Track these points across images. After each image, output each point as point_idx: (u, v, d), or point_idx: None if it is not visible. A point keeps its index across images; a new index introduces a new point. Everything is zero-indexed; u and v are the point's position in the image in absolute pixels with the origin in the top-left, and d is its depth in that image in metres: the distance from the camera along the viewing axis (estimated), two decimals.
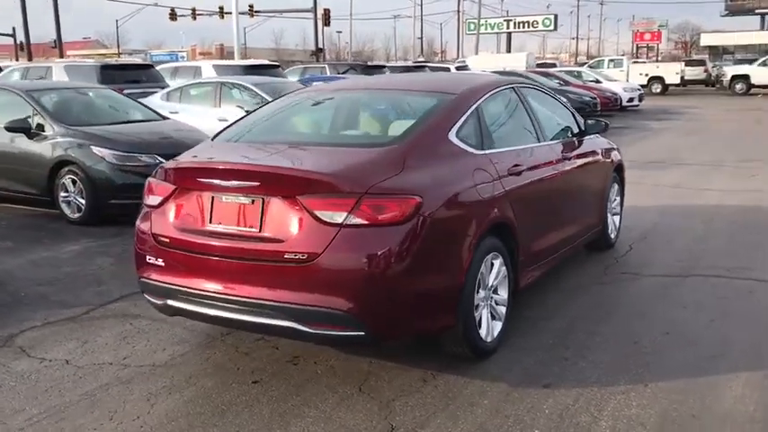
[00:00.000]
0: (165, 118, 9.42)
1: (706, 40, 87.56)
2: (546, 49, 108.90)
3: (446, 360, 4.09)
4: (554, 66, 40.03)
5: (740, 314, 4.89)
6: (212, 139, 4.57)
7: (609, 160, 6.34)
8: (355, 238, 3.45)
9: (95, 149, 7.93)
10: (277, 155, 3.95)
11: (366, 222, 3.43)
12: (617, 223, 6.73)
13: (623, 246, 6.68)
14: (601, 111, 21.10)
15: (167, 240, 3.91)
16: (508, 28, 59.39)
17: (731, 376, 3.91)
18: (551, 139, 5.22)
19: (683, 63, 40.66)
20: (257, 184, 3.59)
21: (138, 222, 4.18)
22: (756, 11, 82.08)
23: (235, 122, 4.73)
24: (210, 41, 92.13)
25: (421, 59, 55.16)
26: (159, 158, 7.87)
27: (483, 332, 4.06)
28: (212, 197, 3.78)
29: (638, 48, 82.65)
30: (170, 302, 3.95)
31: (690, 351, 4.27)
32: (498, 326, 4.25)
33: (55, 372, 4.16)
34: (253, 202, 3.65)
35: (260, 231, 3.63)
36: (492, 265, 4.13)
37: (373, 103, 4.83)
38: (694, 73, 39.19)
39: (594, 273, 5.90)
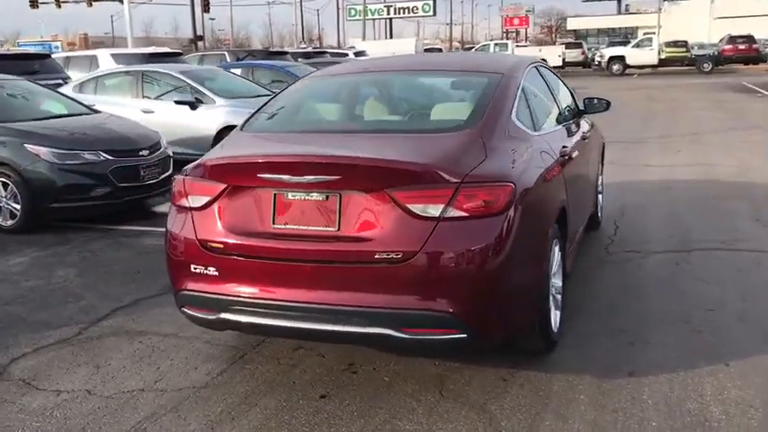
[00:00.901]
0: (95, 111, 8.57)
1: (571, 24, 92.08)
2: (421, 35, 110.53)
3: (509, 356, 3.86)
4: (441, 51, 40.61)
5: (764, 286, 4.96)
6: (242, 130, 4.07)
7: (600, 139, 6.32)
8: (455, 232, 3.13)
9: (30, 148, 7.07)
10: (344, 145, 3.55)
11: (466, 214, 3.13)
12: (601, 202, 6.75)
13: (608, 224, 6.70)
14: None
15: (220, 246, 3.43)
16: (389, 14, 59.68)
17: None
18: (568, 119, 5.09)
19: (564, 46, 42.38)
20: (337, 177, 3.19)
21: (170, 228, 3.66)
22: None
23: (259, 111, 4.24)
24: (74, 31, 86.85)
25: (303, 46, 54.42)
26: (104, 155, 7.20)
27: (552, 323, 3.87)
28: (274, 194, 3.34)
29: (507, 32, 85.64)
30: (226, 316, 3.47)
31: (746, 327, 4.26)
32: (558, 315, 4.07)
33: (81, 405, 3.59)
34: (327, 198, 3.25)
35: (339, 230, 3.24)
36: (553, 252, 3.94)
37: (418, 85, 4.49)
38: (573, 55, 40.99)
39: (597, 254, 5.84)
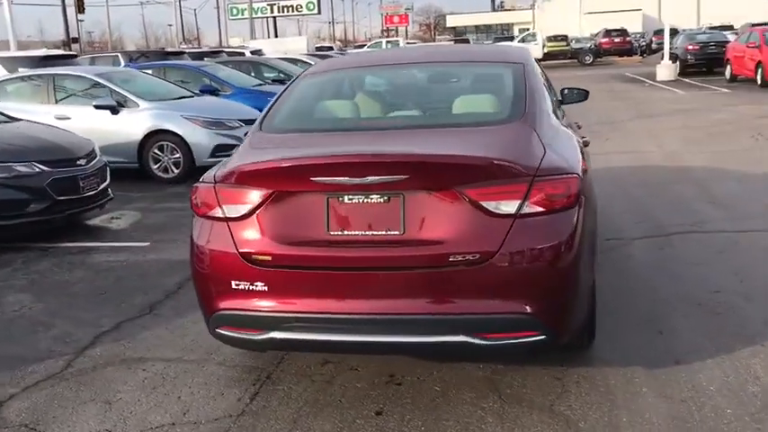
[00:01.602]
0: (12, 119, 7.79)
1: (450, 21, 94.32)
2: (304, 33, 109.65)
3: (550, 354, 3.74)
4: (332, 49, 40.39)
5: (752, 265, 5.12)
6: (262, 130, 3.72)
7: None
8: (532, 229, 2.98)
9: None
10: (398, 142, 3.31)
11: (542, 209, 2.98)
12: None
13: None
14: None
15: (268, 258, 3.11)
16: (272, 12, 58.71)
17: None
18: (561, 109, 5.06)
19: (453, 42, 43.28)
20: (403, 177, 2.95)
21: (200, 242, 3.30)
22: None
23: (272, 110, 3.90)
24: None
25: (184, 46, 52.56)
26: (39, 166, 6.54)
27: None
28: (327, 199, 3.07)
29: (388, 30, 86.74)
30: (277, 335, 3.16)
31: (757, 306, 4.36)
32: None
33: None
34: (389, 199, 3.01)
35: (404, 234, 3.01)
36: None
37: (441, 77, 4.28)
38: None
39: None
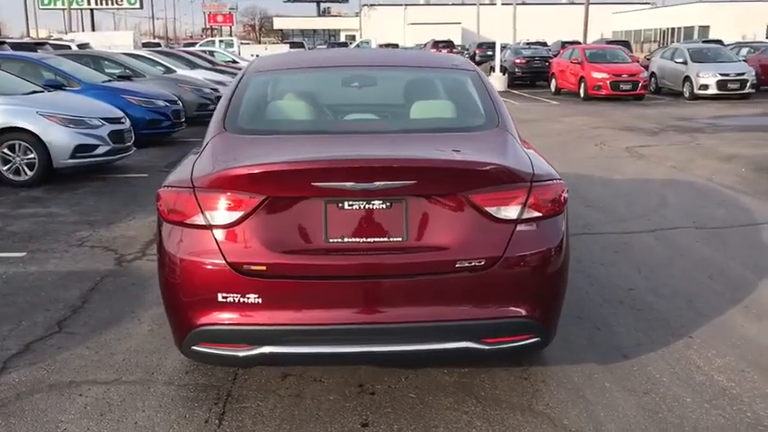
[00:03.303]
0: None
1: (277, 23, 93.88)
2: (120, 28, 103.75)
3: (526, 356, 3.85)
4: (159, 45, 38.61)
5: (648, 263, 5.58)
6: (227, 131, 3.44)
7: None
8: (532, 234, 3.04)
9: None
10: (389, 146, 3.21)
11: (539, 214, 3.05)
12: None
13: None
14: None
15: (262, 268, 2.91)
16: (90, 4, 55.07)
17: None
18: None
19: (289, 45, 43.01)
20: (411, 182, 2.88)
21: (176, 252, 3.01)
22: None
23: (229, 110, 3.61)
24: None
25: None
26: None
27: None
28: (326, 204, 2.93)
29: (212, 29, 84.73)
30: (269, 350, 2.96)
31: (668, 300, 4.76)
32: None
33: None
34: (391, 205, 2.94)
35: (407, 240, 2.95)
36: None
37: (406, 81, 4.17)
38: None
39: None
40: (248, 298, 2.91)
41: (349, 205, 2.93)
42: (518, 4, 63.52)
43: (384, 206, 2.93)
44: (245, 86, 3.84)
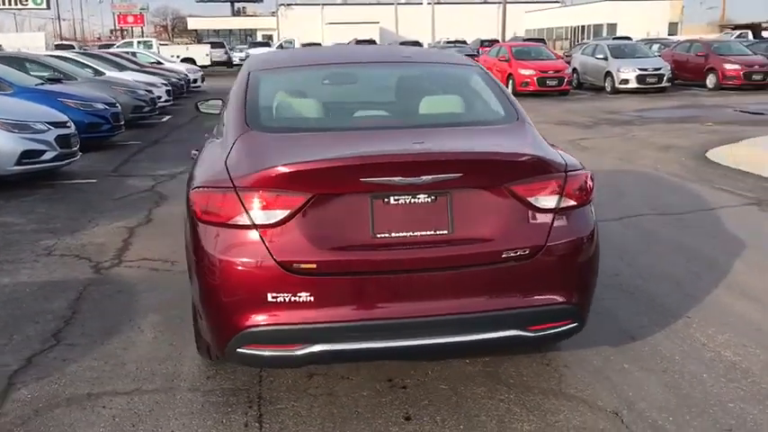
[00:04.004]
0: None
1: (192, 24, 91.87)
2: (24, 29, 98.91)
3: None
4: (72, 48, 37.18)
5: (626, 249, 5.80)
6: (251, 129, 3.36)
7: None
8: (569, 222, 3.13)
9: None
10: (425, 139, 3.22)
11: (574, 203, 3.15)
12: None
13: None
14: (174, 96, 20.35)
15: (312, 266, 2.88)
16: None
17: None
18: None
19: (210, 45, 42.17)
20: (457, 175, 2.92)
21: (215, 253, 2.95)
22: None
23: (247, 109, 3.54)
24: None
25: None
26: None
27: None
28: (372, 200, 2.93)
29: (122, 30, 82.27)
30: (322, 348, 2.93)
31: (657, 283, 4.98)
32: None
33: None
34: (435, 198, 2.97)
35: (453, 233, 2.99)
36: None
37: (418, 76, 4.17)
38: (218, 55, 41.14)
39: None
40: (299, 296, 2.88)
41: (395, 200, 2.94)
42: (435, 3, 64.51)
43: (429, 200, 2.96)
44: (256, 84, 3.78)
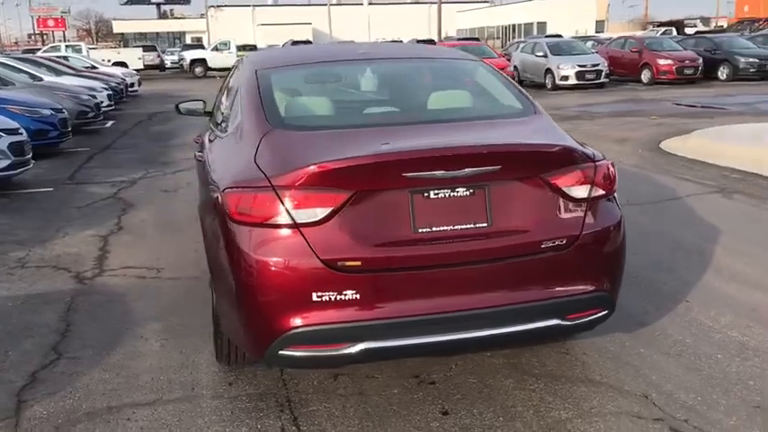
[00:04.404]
0: None
1: (117, 27, 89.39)
2: None
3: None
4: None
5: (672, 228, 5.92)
6: (276, 128, 3.28)
7: None
8: (600, 211, 3.18)
9: None
10: (458, 133, 3.21)
11: (603, 192, 3.19)
12: None
13: None
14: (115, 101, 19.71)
15: (357, 263, 2.84)
16: None
17: None
18: None
19: (142, 49, 41.15)
20: (496, 167, 2.92)
21: (256, 254, 2.87)
22: (152, 1, 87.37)
23: (265, 108, 3.46)
24: None
25: None
26: None
27: None
28: (411, 195, 2.91)
29: (42, 34, 79.63)
30: (369, 345, 2.89)
31: (651, 268, 5.12)
32: None
33: None
34: (473, 192, 2.97)
35: (491, 225, 2.99)
36: None
37: (428, 70, 4.14)
38: (150, 58, 40.24)
39: None
40: (345, 294, 2.84)
41: (434, 194, 2.93)
42: (369, 4, 64.64)
43: (468, 193, 2.96)
44: (268, 83, 3.70)
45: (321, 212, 2.84)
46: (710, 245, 5.66)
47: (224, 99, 4.56)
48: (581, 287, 3.13)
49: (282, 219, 2.86)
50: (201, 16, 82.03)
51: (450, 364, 3.71)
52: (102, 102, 15.55)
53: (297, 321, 2.86)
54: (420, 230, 2.92)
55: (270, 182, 2.88)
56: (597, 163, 3.20)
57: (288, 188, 2.85)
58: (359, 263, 2.85)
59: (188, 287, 5.04)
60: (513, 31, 61.66)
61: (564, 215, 3.08)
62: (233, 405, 3.39)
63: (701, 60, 23.07)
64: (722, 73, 23.60)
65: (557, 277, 3.08)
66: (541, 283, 3.06)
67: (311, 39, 64.12)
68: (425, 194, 2.93)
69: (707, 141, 9.99)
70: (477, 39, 43.37)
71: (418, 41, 44.37)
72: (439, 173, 2.88)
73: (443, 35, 53.75)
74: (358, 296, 2.85)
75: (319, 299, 2.84)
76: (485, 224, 2.99)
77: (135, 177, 9.48)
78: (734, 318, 4.22)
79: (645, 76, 23.39)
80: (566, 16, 58.09)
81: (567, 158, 3.12)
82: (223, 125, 4.06)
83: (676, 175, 8.42)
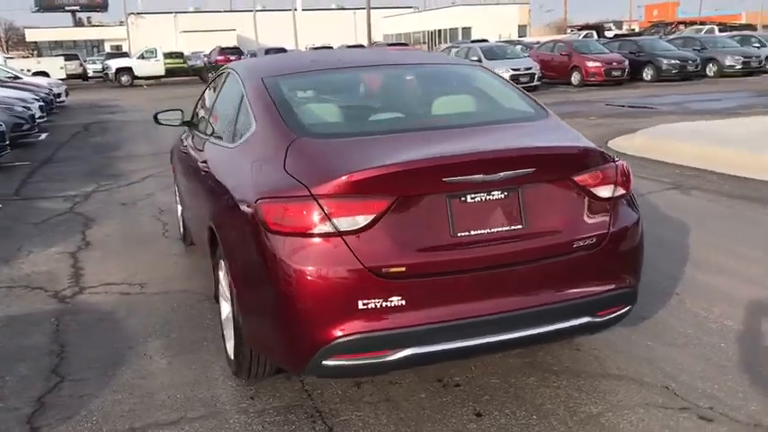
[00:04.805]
0: None
1: (30, 35, 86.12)
2: None
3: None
4: None
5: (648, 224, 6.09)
6: (300, 137, 3.23)
7: None
8: (622, 210, 3.28)
9: None
10: (483, 138, 3.24)
11: (624, 191, 3.30)
12: None
13: None
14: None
15: (401, 269, 2.83)
16: None
17: None
18: None
19: (64, 58, 39.68)
20: (530, 170, 2.98)
21: (299, 265, 2.83)
22: (66, 8, 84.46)
23: (283, 117, 3.40)
24: None
25: None
26: None
27: None
28: (449, 200, 2.94)
29: None
30: (414, 351, 2.89)
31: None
32: None
33: None
34: (507, 195, 3.02)
35: (525, 227, 3.04)
36: None
37: (436, 78, 4.14)
38: (72, 67, 38.91)
39: None
40: (390, 301, 2.83)
41: (471, 198, 2.96)
42: (294, 10, 64.28)
43: (502, 196, 3.00)
44: (279, 91, 3.65)
45: (363, 220, 2.83)
46: (681, 238, 5.90)
47: (218, 109, 4.48)
48: (610, 284, 3.21)
49: (325, 227, 2.83)
50: (121, 24, 79.87)
51: (469, 366, 3.75)
52: (35, 113, 14.94)
53: (342, 330, 2.84)
54: (459, 234, 2.95)
55: (309, 191, 2.85)
56: (617, 163, 3.30)
57: (329, 197, 2.83)
58: (403, 269, 2.85)
59: (179, 301, 4.92)
60: (440, 35, 62.59)
61: (592, 215, 3.16)
62: (261, 419, 3.33)
63: (627, 62, 23.98)
64: (647, 74, 24.60)
65: (588, 276, 3.16)
66: (574, 282, 3.13)
67: (237, 45, 63.42)
68: (462, 198, 2.95)
69: (653, 140, 10.39)
70: (405, 44, 43.83)
71: (348, 47, 44.47)
72: (477, 177, 2.91)
73: (371, 41, 54.11)
74: (403, 302, 2.85)
75: (365, 306, 2.83)
76: (519, 226, 3.04)
77: (87, 191, 9.17)
78: (727, 308, 4.40)
79: (575, 78, 24.13)
80: (489, 21, 59.40)
81: (593, 160, 3.20)
82: (226, 135, 3.98)
83: (633, 173, 8.70)
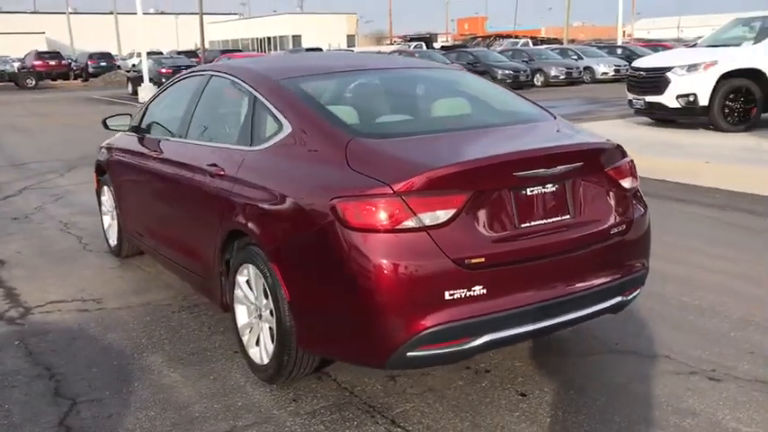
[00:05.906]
0: None
1: None
2: None
3: None
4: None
5: None
6: (355, 137, 3.26)
7: None
8: (639, 197, 3.67)
9: None
10: (520, 137, 3.48)
11: (637, 183, 3.69)
12: None
13: None
14: None
15: (481, 260, 2.99)
16: None
17: None
18: None
19: None
20: (579, 164, 3.27)
21: (388, 260, 2.90)
22: None
23: (331, 119, 3.42)
24: None
25: None
26: None
27: None
28: (512, 193, 3.15)
29: None
30: (492, 337, 3.05)
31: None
32: None
33: None
34: (557, 188, 3.29)
35: (574, 217, 3.32)
36: None
37: (446, 81, 4.26)
38: None
39: None
40: (473, 290, 2.98)
41: (530, 191, 3.20)
42: (110, 13, 61.05)
43: (554, 189, 3.27)
44: (303, 94, 3.66)
45: (445, 214, 2.97)
46: (677, 240, 6.17)
47: (205, 113, 4.37)
48: (636, 266, 3.58)
49: (410, 223, 2.93)
50: None
51: (488, 353, 3.95)
52: None
53: (430, 321, 2.95)
54: (523, 225, 3.17)
55: (392, 188, 2.93)
56: (629, 159, 3.68)
57: (411, 193, 2.93)
58: (482, 259, 3.02)
59: (149, 314, 4.71)
60: (269, 43, 62.30)
61: (621, 203, 3.51)
62: (318, 420, 3.32)
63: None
64: None
65: (621, 259, 3.50)
66: (611, 265, 3.45)
67: (46, 49, 59.06)
68: (523, 192, 3.18)
69: None
70: (239, 50, 43.28)
71: (178, 53, 42.98)
72: (541, 171, 3.16)
73: (193, 46, 52.66)
74: (484, 291, 3.01)
75: (451, 297, 2.96)
76: (569, 216, 3.31)
77: None
78: (706, 294, 4.75)
79: None
80: (318, 30, 60.09)
81: (620, 154, 3.56)
82: (232, 138, 3.93)
83: None
